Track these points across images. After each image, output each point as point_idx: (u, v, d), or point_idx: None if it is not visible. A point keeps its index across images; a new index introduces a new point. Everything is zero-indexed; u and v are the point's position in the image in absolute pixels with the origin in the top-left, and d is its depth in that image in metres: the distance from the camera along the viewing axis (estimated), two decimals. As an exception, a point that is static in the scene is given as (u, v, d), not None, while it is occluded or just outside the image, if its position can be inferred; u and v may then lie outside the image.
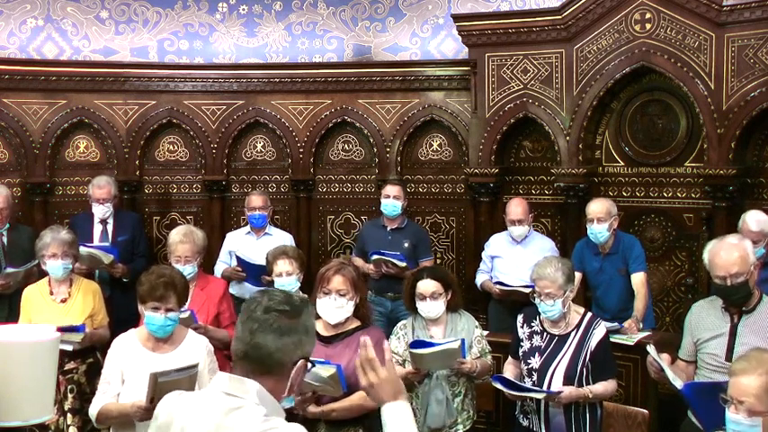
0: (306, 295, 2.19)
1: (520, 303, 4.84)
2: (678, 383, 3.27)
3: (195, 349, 3.39)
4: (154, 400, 3.00)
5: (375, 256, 5.42)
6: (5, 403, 2.14)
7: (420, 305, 3.93)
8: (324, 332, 3.47)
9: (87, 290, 4.43)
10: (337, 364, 3.19)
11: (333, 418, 3.29)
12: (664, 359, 3.41)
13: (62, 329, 3.96)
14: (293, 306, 2.03)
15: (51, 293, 4.35)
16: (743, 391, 2.61)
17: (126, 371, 3.35)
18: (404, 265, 5.35)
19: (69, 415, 4.13)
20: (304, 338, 2.03)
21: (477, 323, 4.09)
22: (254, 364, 1.98)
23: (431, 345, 3.75)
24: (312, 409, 3.29)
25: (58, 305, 4.33)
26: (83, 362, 4.20)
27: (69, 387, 4.16)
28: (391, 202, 5.64)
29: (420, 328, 4.00)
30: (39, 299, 4.34)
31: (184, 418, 2.01)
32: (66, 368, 4.13)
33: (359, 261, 5.61)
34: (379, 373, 2.07)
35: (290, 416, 3.43)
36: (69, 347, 4.06)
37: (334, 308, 3.42)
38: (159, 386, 3.01)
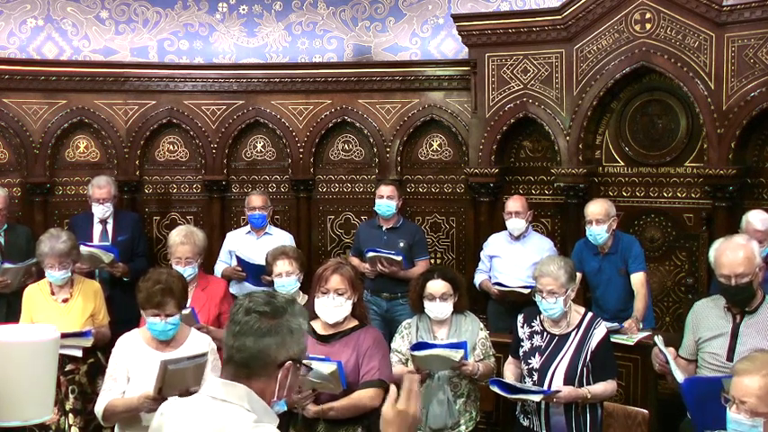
0: (293, 297, 2.15)
1: (518, 303, 4.86)
2: (680, 377, 3.28)
3: (199, 347, 3.40)
4: (162, 389, 3.02)
5: (371, 254, 5.43)
6: (5, 403, 2.14)
7: (429, 306, 3.94)
8: (322, 331, 3.47)
9: (88, 290, 4.44)
10: (338, 360, 3.19)
11: (331, 417, 3.29)
12: (670, 353, 3.41)
13: (71, 335, 4.00)
14: (274, 307, 2.01)
15: (53, 293, 4.36)
16: (745, 392, 2.60)
17: (131, 369, 3.38)
18: (399, 259, 5.36)
19: (71, 415, 4.13)
20: (288, 339, 1.99)
21: (481, 325, 4.09)
22: (239, 367, 1.97)
23: (433, 346, 3.74)
24: (311, 407, 3.29)
25: (59, 305, 4.33)
26: (84, 362, 4.20)
27: (71, 387, 4.16)
28: (385, 202, 5.64)
29: (424, 329, 4.00)
30: (40, 298, 4.34)
31: (176, 424, 2.02)
32: (67, 369, 4.13)
33: (355, 260, 5.62)
34: (408, 406, 1.96)
35: (290, 414, 3.43)
36: (78, 353, 4.08)
37: (332, 307, 3.42)
38: (169, 374, 3.03)
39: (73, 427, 4.09)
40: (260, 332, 1.96)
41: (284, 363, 1.98)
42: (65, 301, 4.35)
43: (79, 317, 4.32)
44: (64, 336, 3.94)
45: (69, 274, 4.35)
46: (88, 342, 4.10)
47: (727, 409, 2.65)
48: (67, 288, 4.37)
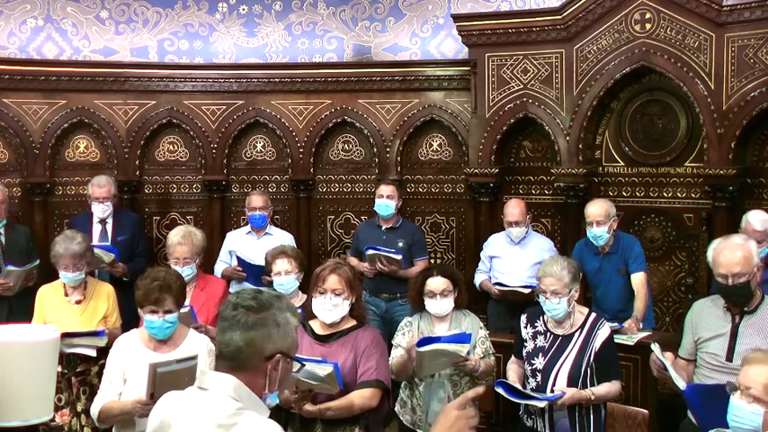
0: (280, 294, 2.20)
1: (519, 303, 4.86)
2: (681, 383, 3.26)
3: (196, 348, 3.39)
4: (154, 394, 3.01)
5: (370, 251, 5.43)
6: (5, 403, 2.13)
7: (429, 302, 3.93)
8: (320, 331, 3.47)
9: (101, 292, 4.45)
10: (334, 362, 3.19)
11: (329, 417, 3.29)
12: (667, 358, 3.40)
13: (85, 334, 4.02)
14: (260, 301, 2.06)
15: (66, 295, 4.36)
16: (751, 379, 2.65)
17: (128, 370, 3.37)
18: (399, 258, 5.36)
19: (83, 416, 4.13)
20: (274, 332, 2.02)
21: (481, 324, 4.09)
22: (228, 360, 2.02)
23: (438, 340, 3.73)
24: (308, 407, 3.29)
25: (72, 306, 4.33)
26: (95, 363, 4.20)
27: (82, 388, 4.16)
28: (385, 201, 5.64)
29: (425, 326, 4.00)
30: (53, 300, 4.35)
31: (166, 415, 2.06)
32: (78, 369, 4.14)
33: (354, 260, 5.62)
34: (463, 413, 2.06)
35: (288, 414, 3.43)
36: (92, 353, 4.09)
37: (329, 307, 3.42)
38: (159, 377, 3.02)
39: (85, 428, 4.09)
40: (246, 326, 2.01)
41: (272, 356, 2.02)
42: (78, 302, 4.36)
43: (92, 318, 4.32)
44: (78, 335, 3.98)
45: (83, 275, 4.37)
46: (102, 341, 4.10)
47: (731, 396, 2.68)
48: (81, 289, 4.38)
